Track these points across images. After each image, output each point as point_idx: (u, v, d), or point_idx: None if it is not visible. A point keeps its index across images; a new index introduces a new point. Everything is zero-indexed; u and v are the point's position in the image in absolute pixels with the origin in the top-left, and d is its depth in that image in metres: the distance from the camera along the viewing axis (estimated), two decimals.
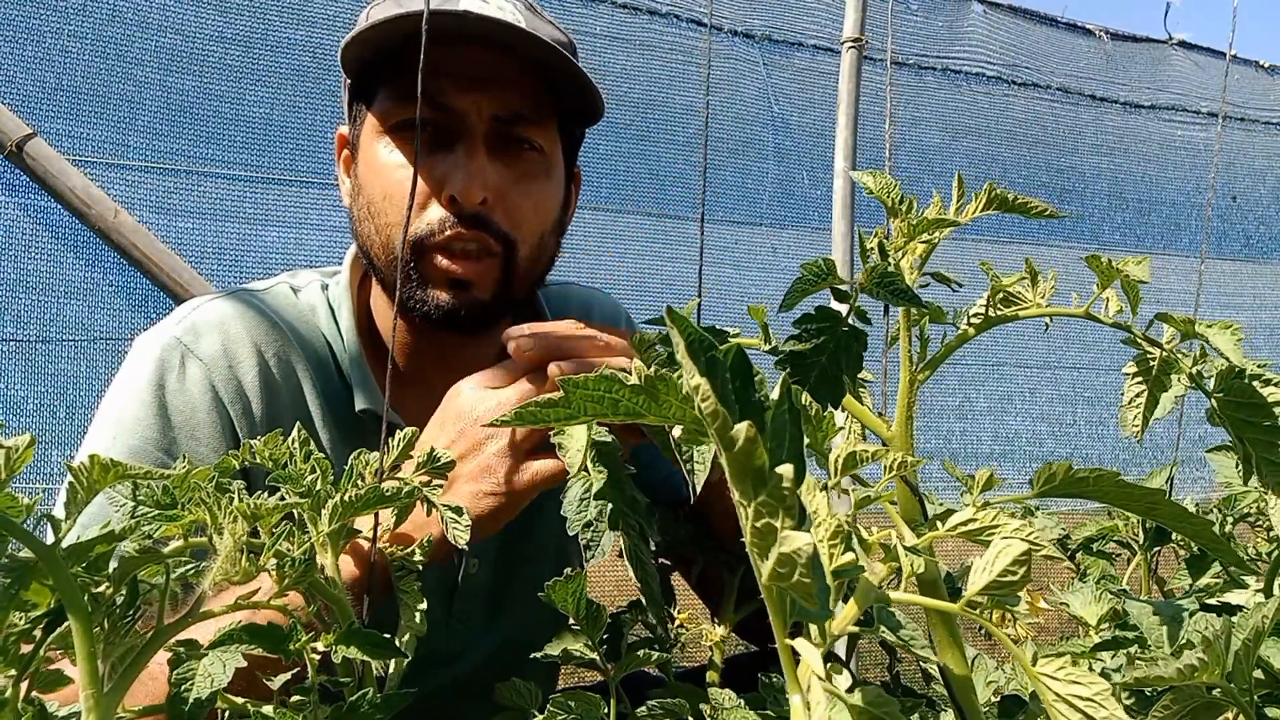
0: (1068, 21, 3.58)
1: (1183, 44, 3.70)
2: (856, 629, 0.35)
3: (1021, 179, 3.49)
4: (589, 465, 0.61)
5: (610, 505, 0.60)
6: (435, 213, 0.85)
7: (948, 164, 3.34)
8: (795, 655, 0.32)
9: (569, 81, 0.88)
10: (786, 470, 0.27)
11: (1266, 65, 3.87)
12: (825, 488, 0.42)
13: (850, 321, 0.53)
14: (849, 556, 0.32)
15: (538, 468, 0.70)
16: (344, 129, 0.96)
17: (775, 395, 0.30)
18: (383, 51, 0.85)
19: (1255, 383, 0.55)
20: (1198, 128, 3.76)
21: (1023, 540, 0.36)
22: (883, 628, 0.53)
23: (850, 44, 1.75)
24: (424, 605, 0.62)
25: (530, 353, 0.71)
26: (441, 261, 0.85)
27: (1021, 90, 3.49)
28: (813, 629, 0.32)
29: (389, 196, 0.86)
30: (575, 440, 0.60)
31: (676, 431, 0.48)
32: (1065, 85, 3.56)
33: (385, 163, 0.87)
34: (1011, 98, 3.48)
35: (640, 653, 0.70)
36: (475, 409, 0.72)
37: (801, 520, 0.32)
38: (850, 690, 0.31)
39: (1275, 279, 3.91)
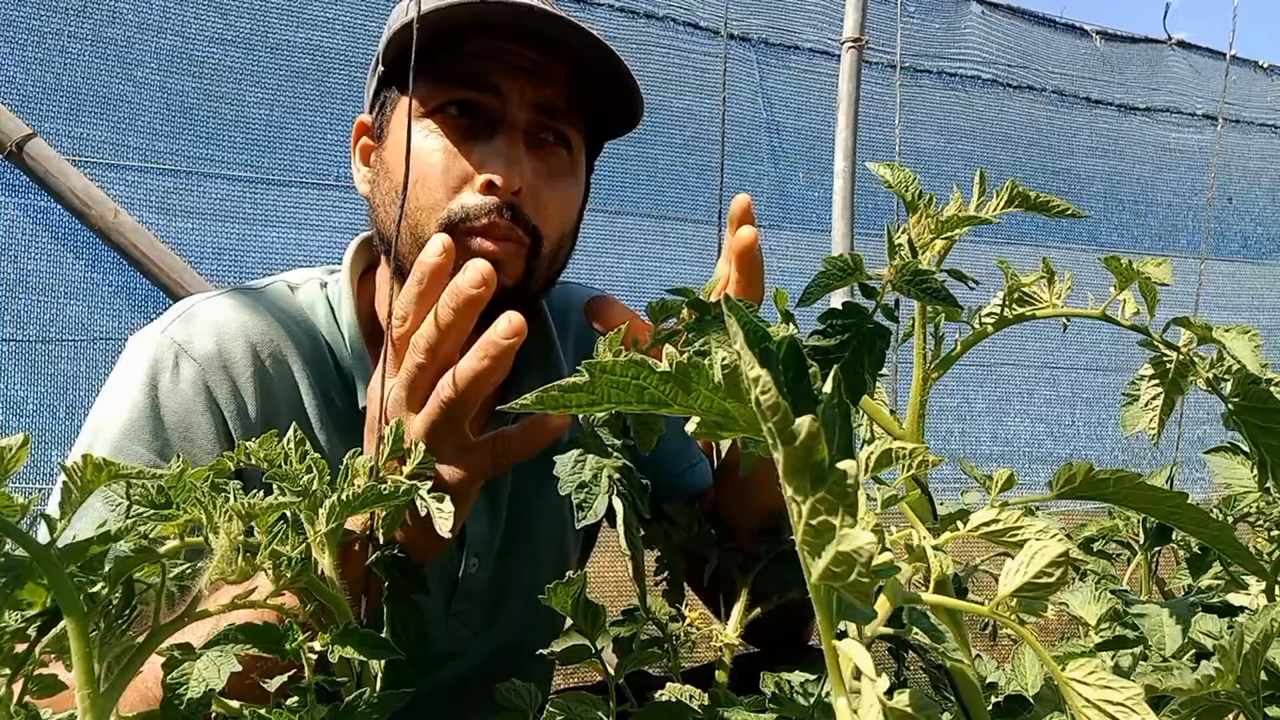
0: (1066, 22, 3.58)
1: (1181, 44, 3.70)
2: (889, 630, 0.34)
3: (1018, 181, 3.49)
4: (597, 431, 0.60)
5: (605, 467, 0.59)
6: (471, 198, 0.84)
7: (944, 166, 3.34)
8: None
9: (613, 81, 0.88)
10: (849, 466, 0.26)
11: (1265, 65, 3.87)
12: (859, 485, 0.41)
13: (876, 318, 0.52)
14: (886, 556, 0.31)
15: (461, 369, 0.64)
16: (365, 117, 0.95)
17: (828, 388, 0.29)
18: (425, 35, 0.83)
19: (1274, 387, 0.55)
20: (1193, 130, 3.76)
21: (1059, 543, 0.35)
22: (915, 630, 0.52)
23: (850, 44, 1.75)
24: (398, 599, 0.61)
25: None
26: (475, 243, 0.84)
27: (1018, 93, 3.49)
28: (851, 629, 0.31)
29: (422, 180, 0.85)
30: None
31: (690, 425, 0.47)
32: (1061, 87, 3.56)
33: (419, 146, 0.85)
34: (1008, 100, 3.48)
35: (643, 652, 0.70)
36: (379, 408, 0.69)
37: (855, 517, 0.31)
38: (888, 693, 0.30)
39: (1273, 280, 3.91)
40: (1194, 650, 0.64)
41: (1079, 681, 0.36)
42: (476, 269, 0.64)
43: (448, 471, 0.67)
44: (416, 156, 0.85)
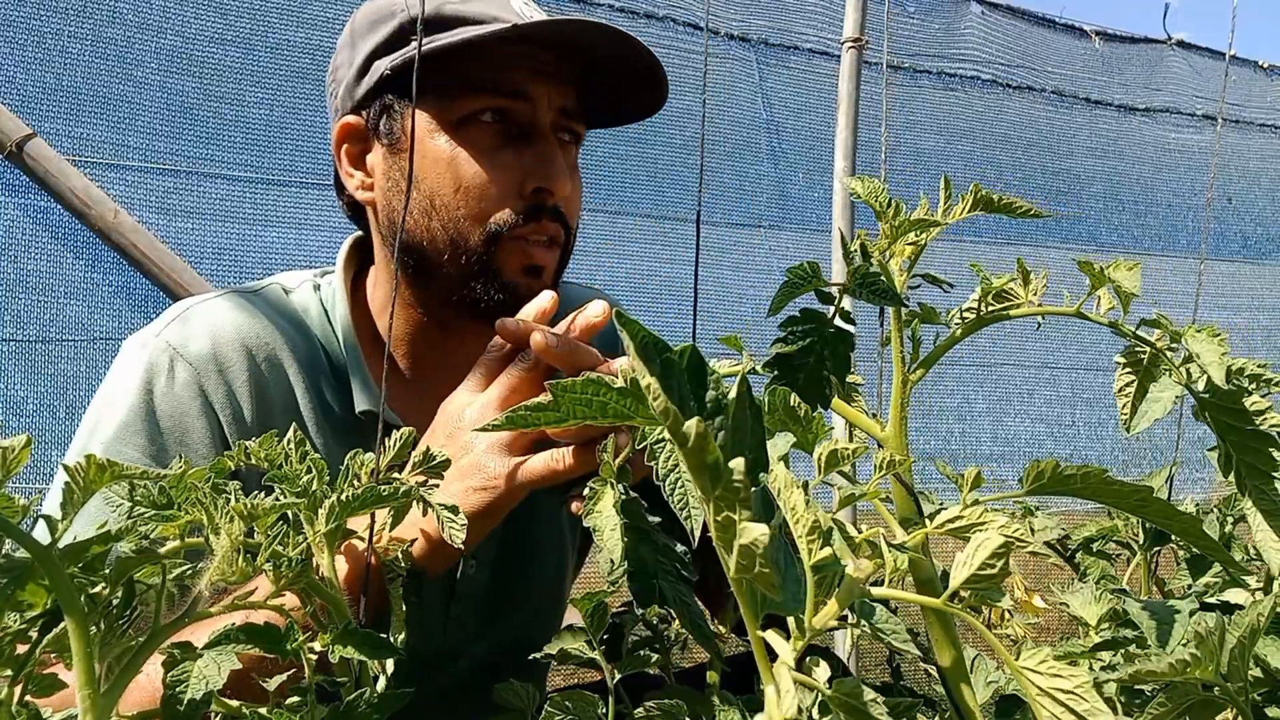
0: (1065, 22, 3.58)
1: (1181, 44, 3.70)
2: (838, 624, 0.35)
3: (1018, 181, 3.50)
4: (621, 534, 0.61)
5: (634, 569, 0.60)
6: (519, 205, 0.86)
7: (944, 167, 3.34)
8: (772, 649, 0.32)
9: (650, 88, 0.92)
10: (738, 464, 0.28)
11: (1265, 65, 3.87)
12: (807, 486, 0.42)
13: (836, 323, 0.54)
14: (826, 551, 0.32)
15: (529, 466, 0.70)
16: (351, 118, 0.91)
17: (733, 395, 0.31)
18: (450, 43, 0.83)
19: (1244, 379, 0.55)
20: (1193, 129, 3.77)
21: (1000, 534, 0.37)
22: (863, 622, 0.53)
23: (850, 44, 1.75)
24: (403, 608, 0.62)
25: (556, 351, 0.72)
26: (521, 251, 0.86)
27: (1018, 93, 3.49)
28: (790, 622, 0.33)
29: (463, 189, 0.85)
30: (607, 520, 0.59)
31: (666, 434, 0.48)
32: (1061, 88, 3.56)
33: (453, 155, 0.86)
34: (1007, 100, 3.48)
35: (640, 653, 0.70)
36: (462, 414, 0.73)
37: (770, 515, 0.32)
38: (828, 682, 0.31)
39: (1273, 280, 3.91)
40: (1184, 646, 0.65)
41: (1031, 670, 0.38)
42: (601, 306, 0.75)
43: (512, 472, 0.71)
44: (451, 165, 0.86)
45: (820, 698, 0.32)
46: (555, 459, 0.70)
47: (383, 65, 0.88)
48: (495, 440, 0.71)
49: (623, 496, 0.60)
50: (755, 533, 0.27)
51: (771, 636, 0.30)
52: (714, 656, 0.68)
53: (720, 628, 0.74)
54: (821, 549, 0.31)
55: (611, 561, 0.58)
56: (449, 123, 0.86)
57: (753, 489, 0.29)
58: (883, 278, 0.53)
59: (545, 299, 0.77)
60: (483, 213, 0.85)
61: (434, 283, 0.89)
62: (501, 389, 0.72)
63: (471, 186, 0.85)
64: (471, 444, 0.71)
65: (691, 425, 0.27)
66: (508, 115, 0.86)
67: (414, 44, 0.86)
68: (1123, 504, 0.51)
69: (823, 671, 0.30)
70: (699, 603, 0.65)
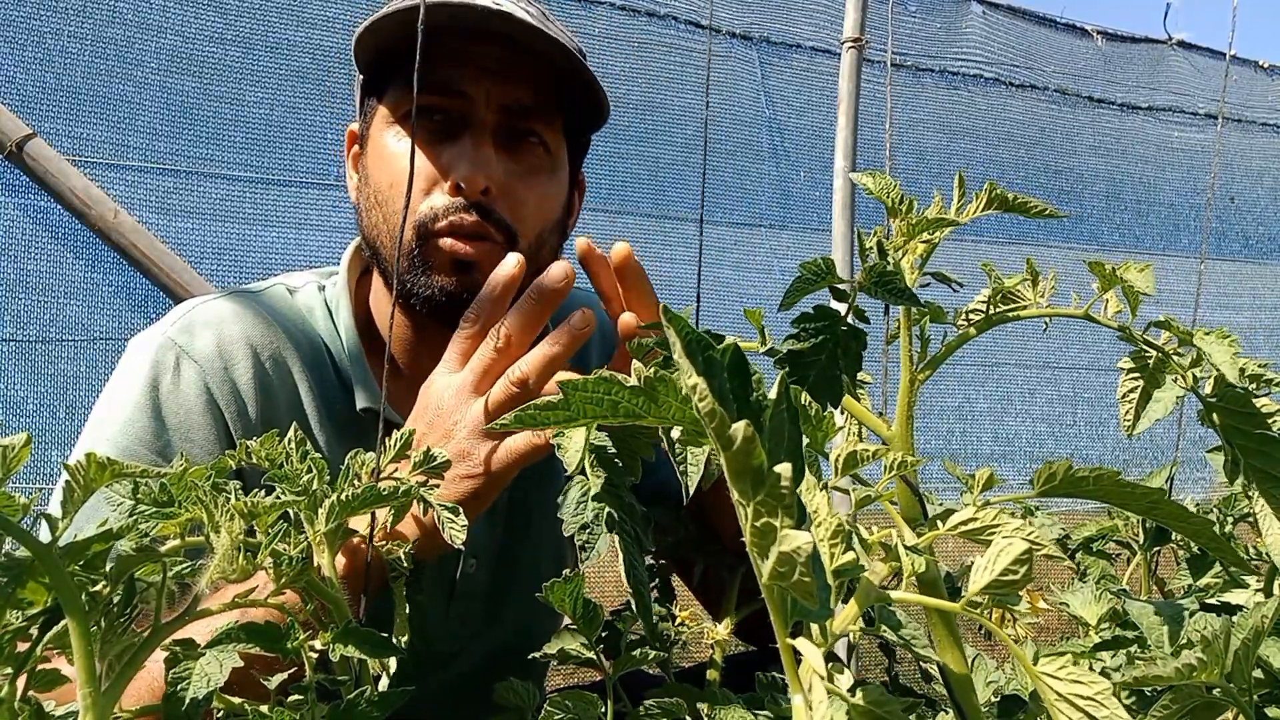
0: (1066, 22, 3.58)
1: (1182, 44, 3.70)
2: (857, 628, 0.35)
3: (1020, 180, 3.49)
4: (588, 467, 0.61)
5: (606, 508, 0.60)
6: (440, 199, 0.86)
7: (945, 165, 3.34)
8: (796, 655, 0.31)
9: (574, 82, 0.90)
10: (785, 469, 0.27)
11: (1265, 65, 3.87)
12: (825, 487, 0.41)
13: (849, 321, 0.53)
14: (850, 556, 0.32)
15: (510, 444, 0.70)
16: (355, 125, 0.98)
17: (773, 395, 0.30)
18: (395, 42, 0.86)
19: (1252, 382, 0.55)
20: (1195, 129, 3.76)
21: (1023, 540, 0.36)
22: (884, 627, 0.53)
23: (850, 44, 1.75)
24: (406, 606, 0.62)
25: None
26: (446, 243, 0.86)
27: (1019, 91, 3.49)
28: (814, 628, 0.32)
29: (396, 184, 0.87)
30: (574, 441, 0.60)
31: (676, 433, 0.48)
32: (1063, 86, 3.56)
33: (393, 151, 0.88)
34: (1009, 99, 3.48)
35: (638, 652, 0.70)
36: (441, 397, 0.73)
37: (801, 519, 0.31)
38: (851, 690, 0.31)
39: (1274, 280, 3.91)
40: (1189, 649, 0.64)
41: (1051, 676, 0.37)
42: (561, 269, 0.71)
43: (498, 454, 0.70)
44: (391, 161, 0.88)
45: (839, 703, 0.31)
46: (537, 433, 0.69)
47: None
48: (475, 424, 0.71)
49: (600, 440, 0.60)
50: (798, 540, 0.27)
51: (803, 644, 0.30)
52: (649, 630, 0.67)
53: (720, 631, 0.74)
54: (844, 553, 0.31)
55: (574, 503, 0.59)
56: (395, 119, 0.89)
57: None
58: (899, 276, 0.53)
59: (511, 262, 0.74)
60: (411, 206, 0.86)
61: (388, 280, 0.91)
62: (475, 374, 0.72)
63: (400, 181, 0.86)
64: (452, 430, 0.71)
65: (739, 429, 0.27)
66: (442, 112, 0.87)
67: (368, 43, 0.88)
68: (1133, 506, 0.51)
69: (845, 679, 0.30)
70: (649, 581, 0.65)
